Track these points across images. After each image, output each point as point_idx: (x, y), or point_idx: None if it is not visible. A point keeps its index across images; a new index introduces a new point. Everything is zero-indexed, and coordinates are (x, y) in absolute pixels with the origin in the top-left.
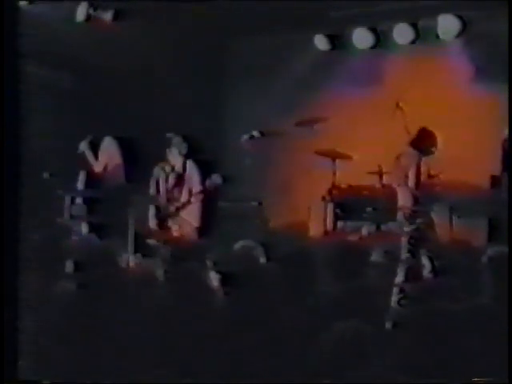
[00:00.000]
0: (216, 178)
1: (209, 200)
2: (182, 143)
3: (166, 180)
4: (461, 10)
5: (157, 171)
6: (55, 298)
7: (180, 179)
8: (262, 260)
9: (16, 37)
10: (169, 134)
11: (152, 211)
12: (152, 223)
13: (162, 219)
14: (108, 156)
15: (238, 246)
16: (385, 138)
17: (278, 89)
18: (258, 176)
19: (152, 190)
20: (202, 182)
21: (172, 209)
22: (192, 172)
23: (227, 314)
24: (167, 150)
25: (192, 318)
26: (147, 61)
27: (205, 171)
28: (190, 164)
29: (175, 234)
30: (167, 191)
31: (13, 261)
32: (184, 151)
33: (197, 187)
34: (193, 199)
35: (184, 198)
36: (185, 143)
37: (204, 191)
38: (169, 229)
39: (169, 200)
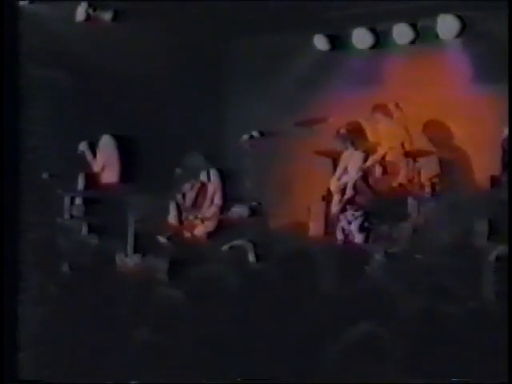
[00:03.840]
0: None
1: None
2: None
3: (192, 188)
4: (460, 10)
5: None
6: (55, 298)
7: (203, 188)
8: (260, 260)
9: (16, 36)
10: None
11: (173, 212)
12: (173, 222)
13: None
14: (106, 154)
15: (235, 245)
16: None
17: (277, 89)
18: (258, 176)
19: (179, 196)
20: (224, 195)
21: (192, 217)
22: (216, 184)
23: (227, 314)
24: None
25: (193, 318)
26: (146, 61)
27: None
28: (214, 174)
29: (187, 235)
30: (190, 199)
31: (12, 261)
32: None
33: (219, 200)
34: (213, 210)
35: (206, 209)
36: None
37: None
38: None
39: (191, 207)
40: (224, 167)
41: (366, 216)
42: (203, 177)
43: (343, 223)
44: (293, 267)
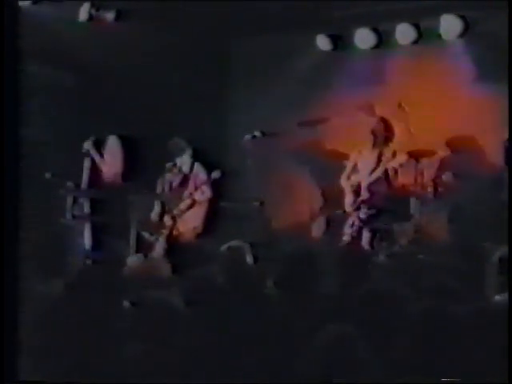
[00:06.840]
0: (216, 174)
1: (211, 200)
2: (186, 146)
3: (173, 180)
4: (463, 10)
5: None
6: (56, 298)
7: (185, 179)
8: (262, 260)
9: (17, 37)
10: (176, 140)
11: (157, 208)
12: (154, 219)
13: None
14: (110, 154)
15: (237, 244)
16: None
17: (279, 89)
18: (260, 176)
19: (159, 189)
20: (207, 180)
21: (175, 206)
22: (198, 172)
23: (227, 314)
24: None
25: (194, 318)
26: (149, 61)
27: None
28: (197, 165)
29: (176, 232)
30: (172, 190)
31: (14, 260)
32: (189, 153)
33: (201, 184)
34: (196, 195)
35: (187, 194)
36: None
37: (208, 188)
38: (171, 228)
39: (173, 198)
40: (226, 167)
41: (378, 216)
42: (186, 168)
43: (356, 223)
44: (295, 267)
